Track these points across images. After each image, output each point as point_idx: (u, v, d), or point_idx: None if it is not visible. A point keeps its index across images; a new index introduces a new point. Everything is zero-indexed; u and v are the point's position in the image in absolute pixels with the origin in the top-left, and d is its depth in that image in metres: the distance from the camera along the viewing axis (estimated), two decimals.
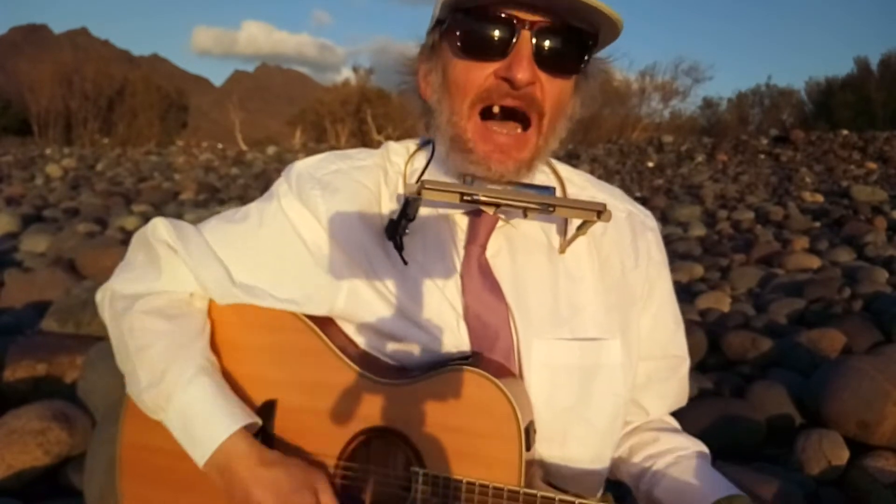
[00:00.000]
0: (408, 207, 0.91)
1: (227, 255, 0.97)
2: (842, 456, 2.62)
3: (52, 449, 2.42)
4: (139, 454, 1.02)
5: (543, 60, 0.85)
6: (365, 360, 0.95)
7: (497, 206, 0.89)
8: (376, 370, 0.93)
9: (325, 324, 0.97)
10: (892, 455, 2.58)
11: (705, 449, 1.05)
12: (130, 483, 1.03)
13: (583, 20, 0.85)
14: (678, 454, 1.01)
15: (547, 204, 0.88)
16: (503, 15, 0.84)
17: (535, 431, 0.89)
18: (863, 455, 2.60)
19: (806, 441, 2.68)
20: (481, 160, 0.88)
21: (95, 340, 3.02)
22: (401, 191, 0.99)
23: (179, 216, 9.05)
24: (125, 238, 7.21)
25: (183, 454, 0.94)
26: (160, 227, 0.99)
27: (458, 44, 0.88)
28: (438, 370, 0.88)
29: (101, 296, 1.03)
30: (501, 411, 0.84)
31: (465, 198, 0.86)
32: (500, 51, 0.85)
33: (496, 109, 0.88)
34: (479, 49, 0.87)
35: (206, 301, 1.01)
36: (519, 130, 0.89)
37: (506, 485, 0.82)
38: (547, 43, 0.85)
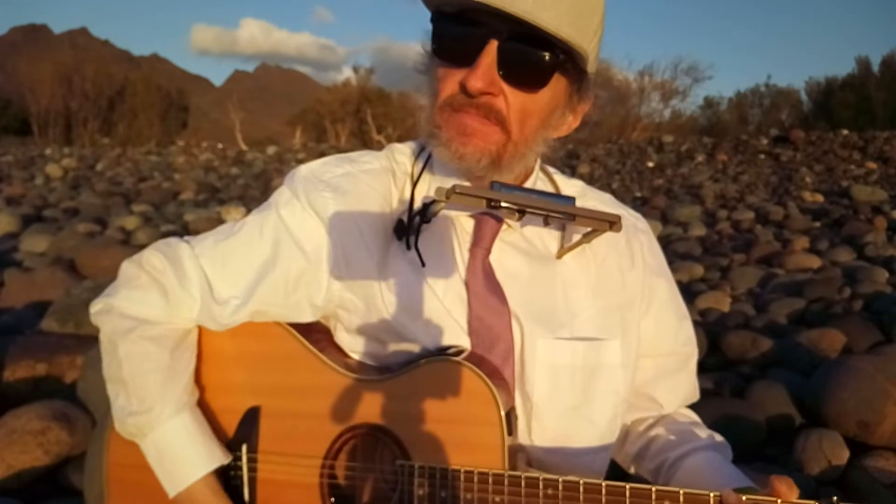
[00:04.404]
0: (427, 210, 0.92)
1: (222, 273, 0.97)
2: (842, 456, 2.62)
3: (52, 449, 2.42)
4: (126, 472, 1.03)
5: (508, 73, 0.84)
6: (346, 361, 0.97)
7: (522, 212, 0.89)
8: (358, 370, 0.95)
9: (307, 330, 0.99)
10: (892, 455, 2.58)
11: (722, 441, 1.05)
12: (118, 501, 1.04)
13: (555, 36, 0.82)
14: (691, 447, 1.02)
15: (569, 213, 0.89)
16: (476, 22, 0.83)
17: (516, 417, 0.91)
18: (863, 455, 2.60)
19: (806, 441, 2.68)
20: (445, 143, 0.88)
21: (95, 340, 3.01)
22: (408, 191, 1.00)
23: (179, 216, 9.07)
24: (125, 238, 7.21)
25: None
26: (154, 259, 0.98)
27: (434, 47, 0.89)
28: (416, 363, 0.89)
29: (99, 308, 1.01)
30: (481, 397, 0.85)
31: (493, 203, 0.86)
32: (467, 58, 0.84)
33: None
34: (450, 54, 0.87)
35: (198, 330, 1.02)
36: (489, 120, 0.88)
37: (490, 469, 0.84)
38: (513, 55, 0.83)
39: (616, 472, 1.08)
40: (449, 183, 0.90)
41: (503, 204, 0.86)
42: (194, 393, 1.00)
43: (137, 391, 0.96)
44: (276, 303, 0.96)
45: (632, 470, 1.12)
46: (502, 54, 0.83)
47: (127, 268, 1.02)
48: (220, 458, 0.98)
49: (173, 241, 1.01)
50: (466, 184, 0.91)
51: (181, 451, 0.96)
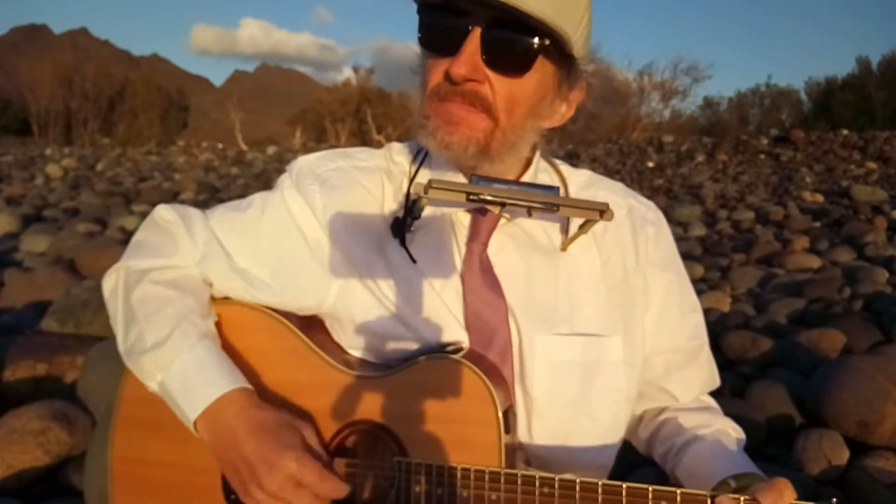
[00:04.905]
0: (413, 206, 0.93)
1: (230, 241, 0.99)
2: (842, 456, 2.62)
3: (52, 449, 2.42)
4: (131, 467, 1.02)
5: (491, 58, 0.85)
6: (346, 358, 0.97)
7: (503, 205, 0.90)
8: (357, 366, 0.95)
9: (306, 325, 0.99)
10: (892, 455, 2.58)
11: (733, 427, 1.04)
12: (123, 497, 1.03)
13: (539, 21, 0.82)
14: (696, 433, 1.01)
15: (551, 203, 0.89)
16: (458, 10, 0.84)
17: (514, 416, 0.92)
18: (863, 455, 2.60)
19: (806, 441, 2.67)
20: (432, 132, 0.88)
21: (95, 340, 3.02)
22: (405, 190, 1.00)
23: None
24: (125, 238, 7.20)
25: (176, 465, 0.95)
26: (163, 211, 1.03)
27: (421, 38, 0.90)
28: (415, 361, 0.89)
29: (111, 277, 1.03)
30: (478, 396, 0.86)
31: (472, 197, 0.87)
32: (452, 47, 0.85)
33: None
34: (435, 44, 0.88)
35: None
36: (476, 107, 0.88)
37: (487, 467, 0.84)
38: (496, 41, 0.84)
39: (621, 471, 1.08)
40: (446, 178, 0.90)
41: (483, 196, 0.87)
42: (213, 330, 0.97)
43: (154, 326, 0.93)
44: (271, 277, 0.97)
45: (647, 453, 1.11)
46: (485, 41, 0.84)
47: (138, 233, 1.06)
48: (247, 383, 0.92)
49: (181, 205, 1.06)
50: (446, 178, 0.91)
51: (211, 369, 0.90)
